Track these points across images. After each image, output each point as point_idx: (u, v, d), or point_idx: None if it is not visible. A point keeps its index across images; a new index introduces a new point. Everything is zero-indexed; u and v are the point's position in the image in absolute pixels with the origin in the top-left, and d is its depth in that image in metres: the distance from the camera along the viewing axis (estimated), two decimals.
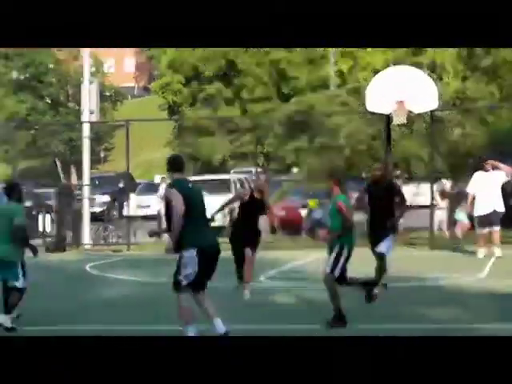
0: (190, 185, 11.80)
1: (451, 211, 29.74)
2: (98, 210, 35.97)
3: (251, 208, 16.47)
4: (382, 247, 15.65)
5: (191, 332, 11.58)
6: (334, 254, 13.36)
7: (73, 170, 55.58)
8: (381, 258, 15.64)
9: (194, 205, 11.45)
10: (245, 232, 16.54)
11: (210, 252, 11.57)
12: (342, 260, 13.27)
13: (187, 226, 11.30)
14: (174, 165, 11.85)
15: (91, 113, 32.74)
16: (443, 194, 30.00)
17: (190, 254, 11.38)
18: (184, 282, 11.47)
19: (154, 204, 35.83)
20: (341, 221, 13.26)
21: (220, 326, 11.53)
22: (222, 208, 17.22)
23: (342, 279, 13.34)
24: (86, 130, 32.67)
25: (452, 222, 29.53)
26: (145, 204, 37.47)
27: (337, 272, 13.22)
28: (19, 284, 13.88)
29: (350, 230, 13.60)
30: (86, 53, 35.23)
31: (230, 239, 16.96)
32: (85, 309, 16.32)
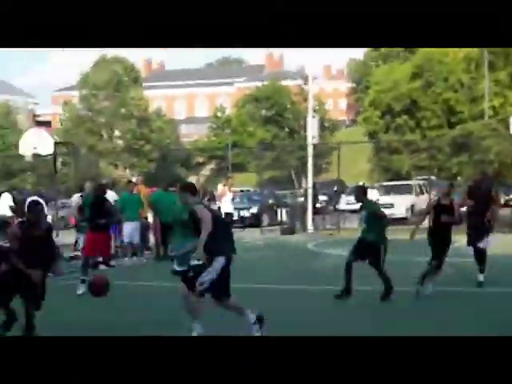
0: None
1: None
2: (318, 205, 36.23)
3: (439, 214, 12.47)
4: (481, 243, 13.27)
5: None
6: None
7: (303, 178, 56.38)
8: (481, 252, 13.27)
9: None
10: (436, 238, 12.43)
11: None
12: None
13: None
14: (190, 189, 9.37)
15: (313, 138, 33.26)
16: None
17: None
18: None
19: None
20: None
21: (251, 316, 8.87)
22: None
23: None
24: (310, 150, 33.09)
25: None
26: (351, 202, 37.76)
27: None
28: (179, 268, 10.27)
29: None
30: (310, 95, 35.83)
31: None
32: (303, 273, 16.78)
